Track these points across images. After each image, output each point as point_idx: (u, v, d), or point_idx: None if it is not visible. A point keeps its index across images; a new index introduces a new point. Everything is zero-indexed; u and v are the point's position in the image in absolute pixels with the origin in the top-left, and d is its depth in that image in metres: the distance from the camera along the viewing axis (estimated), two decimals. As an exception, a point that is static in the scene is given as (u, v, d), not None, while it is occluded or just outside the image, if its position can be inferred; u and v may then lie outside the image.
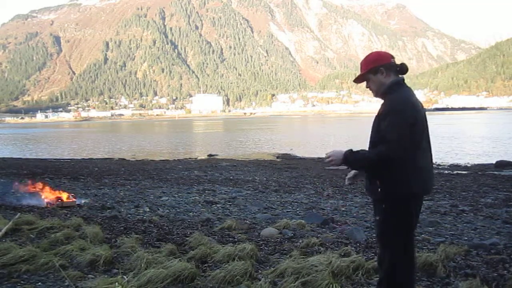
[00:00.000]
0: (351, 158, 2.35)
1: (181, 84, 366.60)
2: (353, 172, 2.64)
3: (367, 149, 2.40)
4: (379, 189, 2.32)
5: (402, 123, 2.22)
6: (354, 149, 2.41)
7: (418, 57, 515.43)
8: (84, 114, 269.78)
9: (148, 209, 7.12)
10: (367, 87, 2.49)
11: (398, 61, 2.47)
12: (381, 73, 2.39)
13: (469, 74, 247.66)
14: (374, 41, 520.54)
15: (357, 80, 2.53)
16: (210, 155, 23.87)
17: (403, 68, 2.41)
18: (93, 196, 8.57)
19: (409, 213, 2.35)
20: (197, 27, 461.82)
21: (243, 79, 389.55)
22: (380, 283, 2.54)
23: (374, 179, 2.35)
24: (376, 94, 2.46)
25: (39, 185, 8.31)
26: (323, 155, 2.49)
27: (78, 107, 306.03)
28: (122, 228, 5.13)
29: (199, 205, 7.79)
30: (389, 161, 2.24)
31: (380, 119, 2.32)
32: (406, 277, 2.38)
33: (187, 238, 4.51)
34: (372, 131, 2.42)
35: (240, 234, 4.97)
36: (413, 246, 2.43)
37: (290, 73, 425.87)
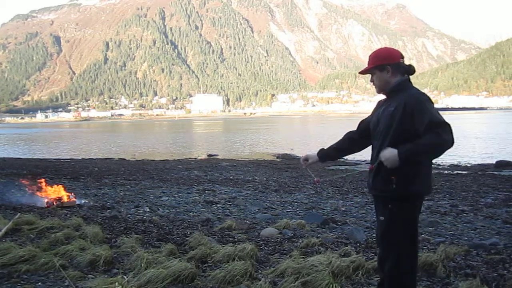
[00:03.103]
0: (406, 153, 2.20)
1: (181, 84, 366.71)
2: (311, 159, 2.68)
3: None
4: (394, 186, 2.28)
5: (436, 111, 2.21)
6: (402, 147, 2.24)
7: (418, 57, 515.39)
8: (84, 114, 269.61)
9: (148, 209, 7.12)
10: (371, 81, 2.48)
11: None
12: (387, 71, 2.38)
13: (469, 74, 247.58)
14: (374, 41, 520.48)
15: (363, 72, 2.51)
16: (210, 155, 23.86)
17: (410, 70, 2.40)
18: (93, 196, 8.56)
19: (415, 211, 2.36)
20: (197, 27, 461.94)
21: (243, 79, 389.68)
22: (381, 284, 2.53)
23: (389, 176, 2.29)
24: (380, 90, 2.45)
25: (40, 184, 8.30)
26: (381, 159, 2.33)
27: (78, 107, 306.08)
28: (122, 228, 5.13)
29: (199, 205, 7.79)
30: (451, 143, 2.14)
31: (407, 113, 2.24)
32: (409, 277, 2.38)
33: (187, 238, 4.51)
34: (382, 130, 2.37)
35: (240, 234, 4.97)
36: (416, 246, 2.43)
37: (290, 73, 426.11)
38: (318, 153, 2.72)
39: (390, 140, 2.32)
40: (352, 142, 2.70)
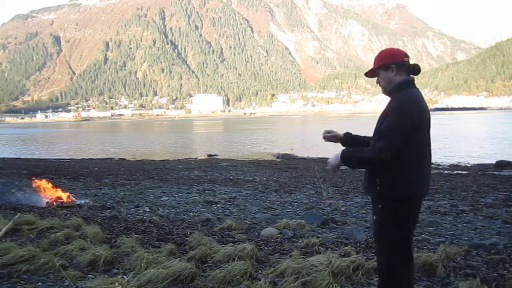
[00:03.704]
0: (347, 155, 2.37)
1: (181, 84, 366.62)
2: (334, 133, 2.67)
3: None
4: (378, 188, 2.31)
5: (404, 123, 2.20)
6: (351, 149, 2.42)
7: (418, 57, 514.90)
8: (84, 114, 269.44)
9: (148, 209, 7.12)
10: (377, 82, 2.48)
11: None
12: (392, 70, 2.37)
13: (469, 74, 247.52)
14: (374, 41, 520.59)
15: (368, 74, 2.51)
16: (210, 155, 23.85)
17: (415, 69, 2.40)
18: (93, 196, 8.56)
19: (407, 213, 2.33)
20: (197, 27, 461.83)
21: (243, 79, 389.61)
22: (380, 284, 2.53)
23: (373, 178, 2.34)
24: (385, 90, 2.45)
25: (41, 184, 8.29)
26: (322, 156, 2.50)
27: (78, 107, 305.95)
28: (122, 228, 5.13)
29: (199, 205, 7.79)
30: (383, 160, 2.24)
31: (384, 116, 2.31)
32: (403, 277, 2.36)
33: (187, 238, 4.51)
34: (375, 129, 2.41)
35: (240, 234, 4.97)
36: (411, 246, 2.41)
37: (290, 73, 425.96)
38: (344, 133, 2.68)
39: (372, 139, 2.39)
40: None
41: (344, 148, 2.43)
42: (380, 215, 2.35)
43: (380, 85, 2.47)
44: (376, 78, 2.49)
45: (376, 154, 2.25)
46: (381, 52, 2.47)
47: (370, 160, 2.29)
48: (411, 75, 2.41)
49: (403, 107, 2.25)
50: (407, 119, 2.21)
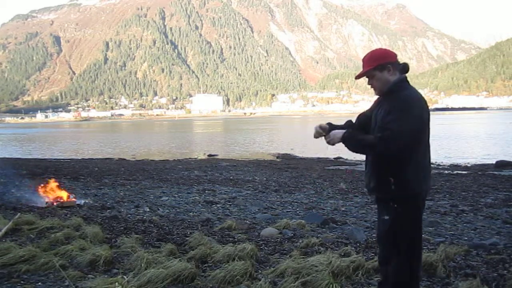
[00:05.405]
0: (349, 136, 2.32)
1: (181, 84, 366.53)
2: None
3: None
4: (393, 187, 2.28)
5: (413, 119, 2.19)
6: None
7: (418, 57, 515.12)
8: (84, 114, 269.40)
9: (148, 209, 7.12)
10: (369, 84, 2.43)
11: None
12: (388, 70, 2.34)
13: (469, 74, 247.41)
14: (374, 41, 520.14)
15: (360, 76, 2.45)
16: (210, 155, 23.85)
17: (406, 68, 2.39)
18: (93, 196, 8.56)
19: (419, 211, 2.36)
20: (197, 27, 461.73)
21: (243, 79, 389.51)
22: (381, 284, 2.53)
23: (386, 178, 2.29)
24: (380, 91, 2.40)
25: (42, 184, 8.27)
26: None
27: (78, 107, 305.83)
28: (122, 228, 5.13)
29: (199, 205, 7.79)
30: (387, 151, 2.20)
31: (386, 113, 2.25)
32: (412, 276, 2.37)
33: (187, 238, 4.51)
34: (371, 129, 2.40)
35: (240, 234, 4.97)
36: (420, 245, 2.43)
37: (290, 73, 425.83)
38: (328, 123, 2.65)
39: None
40: None
41: (346, 130, 2.40)
42: (394, 214, 2.32)
43: (372, 86, 2.42)
44: (365, 80, 2.44)
45: (383, 143, 2.19)
46: (373, 53, 2.41)
47: (373, 148, 2.24)
48: (403, 74, 2.38)
49: (414, 105, 2.23)
50: (417, 117, 2.21)
